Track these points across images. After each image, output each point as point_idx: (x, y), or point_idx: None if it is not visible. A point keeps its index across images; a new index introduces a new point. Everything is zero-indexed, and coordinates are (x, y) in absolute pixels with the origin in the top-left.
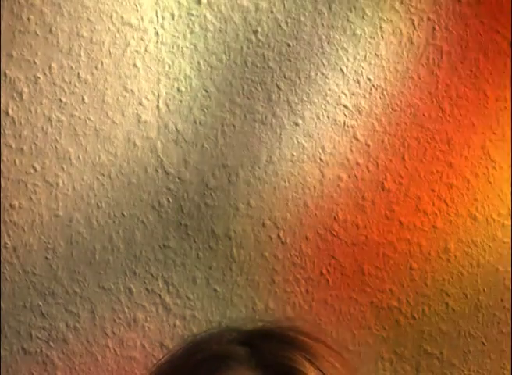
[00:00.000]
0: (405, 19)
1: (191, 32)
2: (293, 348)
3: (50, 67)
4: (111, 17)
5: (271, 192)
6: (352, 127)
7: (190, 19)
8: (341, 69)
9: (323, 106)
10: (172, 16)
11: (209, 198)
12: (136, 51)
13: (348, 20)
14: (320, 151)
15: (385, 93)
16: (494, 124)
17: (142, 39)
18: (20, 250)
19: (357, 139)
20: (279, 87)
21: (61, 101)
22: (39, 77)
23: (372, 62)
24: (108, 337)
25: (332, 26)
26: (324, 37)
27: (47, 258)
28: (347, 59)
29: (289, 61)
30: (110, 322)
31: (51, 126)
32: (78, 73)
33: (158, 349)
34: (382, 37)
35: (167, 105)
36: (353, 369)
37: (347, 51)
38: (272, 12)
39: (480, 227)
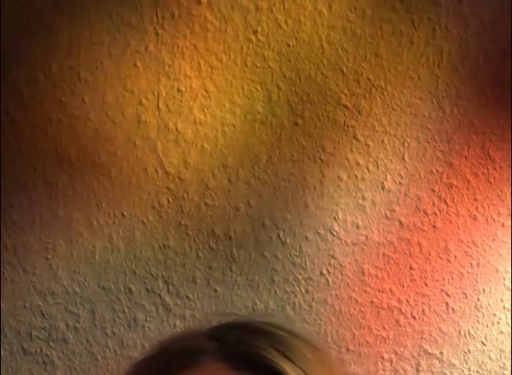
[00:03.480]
0: (405, 19)
1: (191, 32)
2: (259, 337)
3: (50, 67)
4: (111, 17)
5: (271, 192)
6: (352, 127)
7: (190, 19)
8: (341, 69)
9: (323, 106)
10: (172, 16)
11: (209, 198)
12: (136, 51)
13: (348, 20)
14: (320, 151)
15: (385, 93)
16: (494, 124)
17: (142, 39)
18: (20, 250)
19: (357, 139)
20: (279, 87)
21: (61, 101)
22: (39, 77)
23: (372, 62)
24: (108, 337)
25: (332, 26)
26: (324, 37)
27: (47, 258)
28: (347, 59)
29: (289, 61)
30: (110, 322)
31: (51, 126)
32: (78, 73)
33: None
34: (382, 37)
35: (167, 105)
36: (329, 361)
37: (347, 51)
38: (271, 12)
39: (480, 227)
